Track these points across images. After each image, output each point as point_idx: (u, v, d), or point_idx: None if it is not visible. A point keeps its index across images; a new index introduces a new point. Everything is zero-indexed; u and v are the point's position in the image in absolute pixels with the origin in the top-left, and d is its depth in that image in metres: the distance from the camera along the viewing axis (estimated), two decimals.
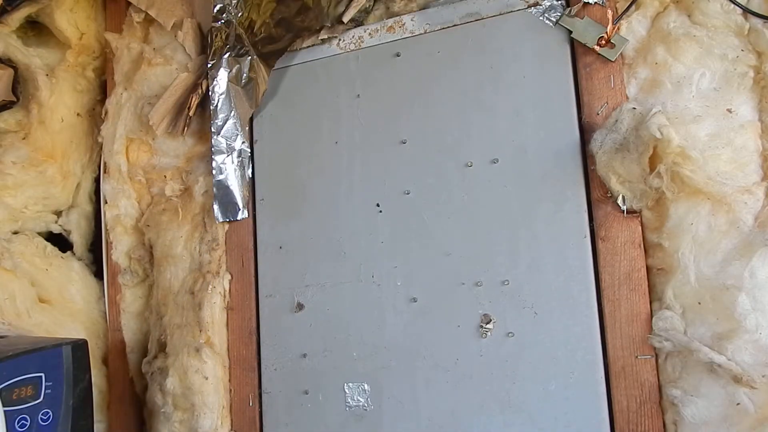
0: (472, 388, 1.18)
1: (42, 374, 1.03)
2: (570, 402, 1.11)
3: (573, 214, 1.14)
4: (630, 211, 1.10)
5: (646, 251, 1.09)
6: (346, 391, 1.28)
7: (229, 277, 1.39)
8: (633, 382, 1.07)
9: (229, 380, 1.37)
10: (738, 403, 0.96)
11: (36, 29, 1.59)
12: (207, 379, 1.33)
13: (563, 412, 1.11)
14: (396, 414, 1.24)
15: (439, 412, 1.21)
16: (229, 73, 1.39)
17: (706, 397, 0.98)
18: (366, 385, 1.26)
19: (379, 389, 1.25)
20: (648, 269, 1.09)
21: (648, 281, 1.08)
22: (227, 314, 1.39)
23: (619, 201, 1.10)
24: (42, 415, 1.02)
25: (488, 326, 1.18)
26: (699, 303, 1.01)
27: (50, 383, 1.04)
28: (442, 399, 1.20)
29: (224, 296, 1.39)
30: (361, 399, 1.26)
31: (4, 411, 0.94)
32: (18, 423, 0.98)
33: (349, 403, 1.27)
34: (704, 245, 1.02)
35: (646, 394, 1.05)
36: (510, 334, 1.16)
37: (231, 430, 1.36)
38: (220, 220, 1.40)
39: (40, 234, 1.55)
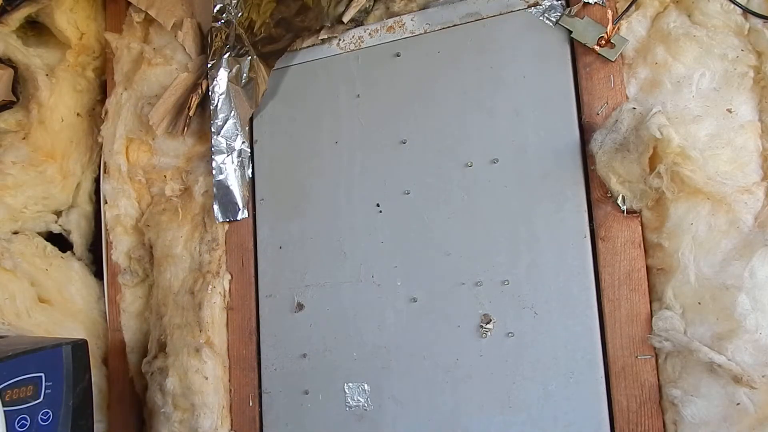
0: (472, 388, 1.18)
1: (42, 374, 1.03)
2: (570, 402, 1.11)
3: (573, 214, 1.14)
4: (630, 211, 1.10)
5: (646, 251, 1.09)
6: (346, 391, 1.28)
7: (229, 277, 1.39)
8: (633, 382, 1.07)
9: (229, 380, 1.37)
10: (738, 403, 0.96)
11: (36, 29, 1.59)
12: (207, 379, 1.33)
13: (563, 412, 1.11)
14: (396, 414, 1.24)
15: (439, 412, 1.21)
16: (229, 73, 1.39)
17: (706, 397, 0.98)
18: (366, 385, 1.26)
19: (379, 389, 1.25)
20: (648, 269, 1.09)
21: (648, 281, 1.08)
22: (227, 314, 1.39)
23: (619, 201, 1.10)
24: (42, 415, 1.02)
25: (488, 326, 1.18)
26: (699, 303, 1.01)
27: (50, 383, 1.04)
28: (442, 399, 1.20)
29: (224, 296, 1.39)
30: (361, 399, 1.26)
31: (4, 411, 0.93)
32: (18, 423, 0.98)
33: (349, 403, 1.27)
34: (704, 245, 1.02)
35: (646, 394, 1.05)
36: (510, 334, 1.16)
37: (231, 430, 1.36)
38: (220, 220, 1.40)
39: (40, 234, 1.55)
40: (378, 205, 1.30)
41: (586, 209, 1.14)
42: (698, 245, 1.02)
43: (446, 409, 1.20)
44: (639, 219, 1.10)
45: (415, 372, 1.23)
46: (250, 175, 1.42)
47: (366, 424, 1.26)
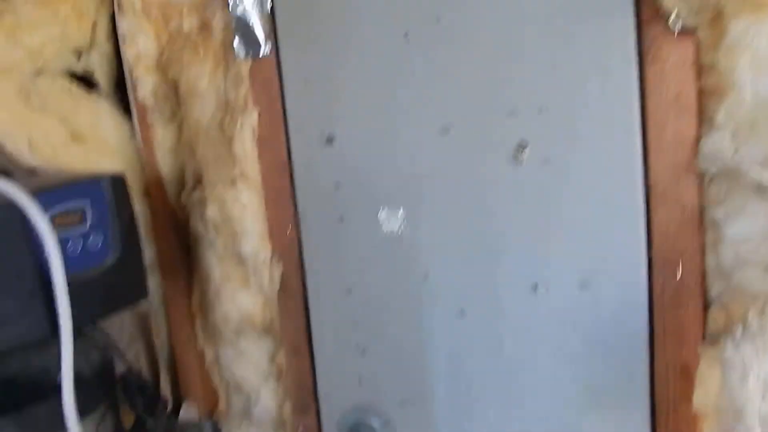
0: (506, 215, 1.19)
1: (88, 200, 1.06)
2: (607, 226, 1.11)
3: (619, 33, 1.05)
4: (683, 30, 1.00)
5: (697, 73, 1.01)
6: (381, 216, 1.29)
7: (257, 111, 1.36)
8: (674, 205, 1.05)
9: (266, 209, 1.39)
10: None
11: None
12: (245, 207, 1.36)
13: (599, 236, 1.12)
14: (430, 239, 1.26)
15: (473, 236, 1.23)
16: None
17: (752, 216, 0.98)
18: (401, 211, 1.28)
19: (414, 216, 1.26)
20: (699, 92, 1.02)
21: (698, 104, 1.02)
22: (258, 147, 1.37)
23: (673, 17, 1.00)
24: (92, 238, 1.06)
25: (524, 153, 1.15)
26: (753, 124, 0.96)
27: (95, 210, 1.07)
28: (477, 224, 1.22)
29: (254, 130, 1.37)
30: (395, 225, 1.28)
31: (56, 238, 0.96)
32: (69, 248, 1.02)
33: (383, 228, 1.30)
34: (764, 63, 0.94)
35: (688, 215, 1.04)
36: (546, 161, 1.14)
37: (272, 253, 1.41)
38: (242, 56, 1.34)
39: (63, 75, 1.52)
40: (406, 35, 1.21)
41: (635, 29, 1.04)
42: (757, 63, 0.94)
43: (481, 236, 1.22)
44: (692, 38, 1.00)
45: (449, 199, 1.23)
46: (270, 7, 1.33)
47: (401, 249, 1.29)
